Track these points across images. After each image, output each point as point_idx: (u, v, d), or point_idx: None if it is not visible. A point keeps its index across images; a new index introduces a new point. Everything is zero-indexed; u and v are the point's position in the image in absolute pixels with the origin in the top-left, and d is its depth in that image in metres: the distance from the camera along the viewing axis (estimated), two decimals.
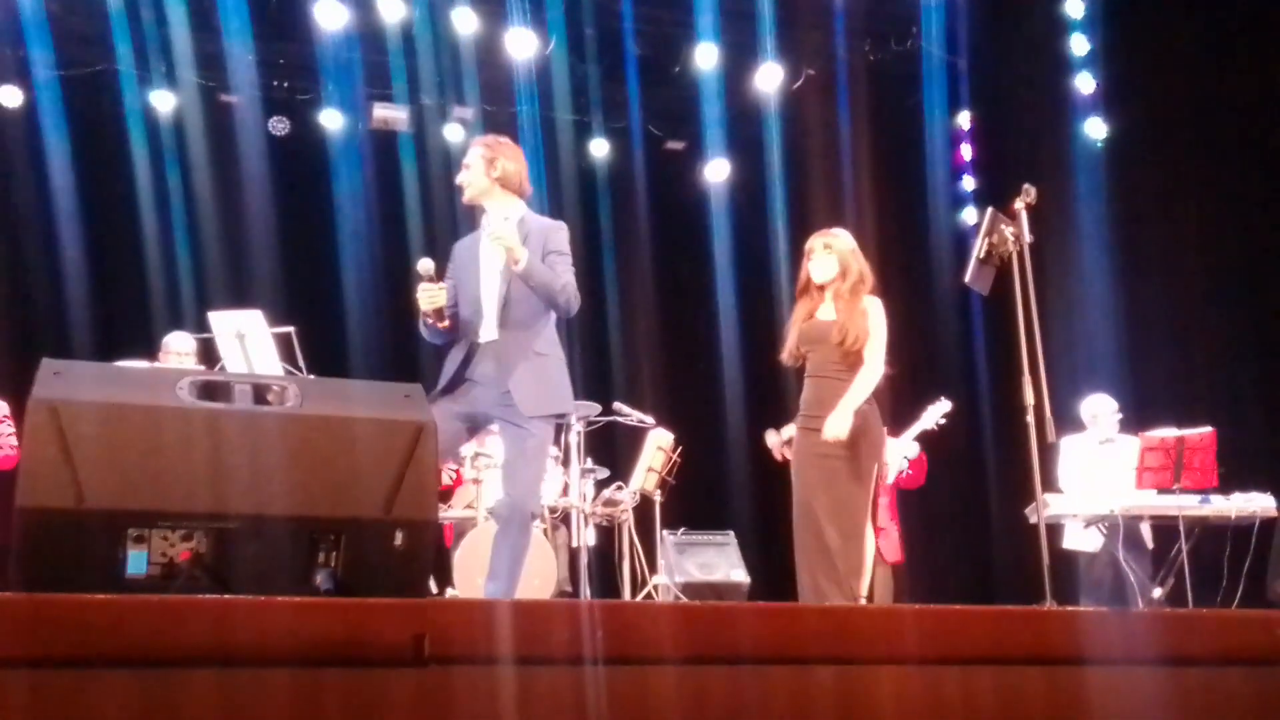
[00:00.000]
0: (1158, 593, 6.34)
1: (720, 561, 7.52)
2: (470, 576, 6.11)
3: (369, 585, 2.59)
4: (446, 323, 4.23)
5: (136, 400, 2.58)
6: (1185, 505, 6.26)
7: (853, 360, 4.72)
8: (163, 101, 8.61)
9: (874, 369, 4.73)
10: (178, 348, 6.34)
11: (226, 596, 2.38)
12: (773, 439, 5.61)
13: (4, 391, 6.14)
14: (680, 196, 9.99)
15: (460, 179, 4.33)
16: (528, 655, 2.16)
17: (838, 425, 4.63)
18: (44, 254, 8.23)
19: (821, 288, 4.86)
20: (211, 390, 2.72)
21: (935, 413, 6.81)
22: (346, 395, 2.95)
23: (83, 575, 2.43)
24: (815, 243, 4.89)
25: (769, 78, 9.26)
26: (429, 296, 4.18)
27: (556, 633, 2.21)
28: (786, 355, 4.91)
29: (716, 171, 9.79)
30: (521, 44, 8.72)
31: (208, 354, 5.92)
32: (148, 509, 2.51)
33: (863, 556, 4.71)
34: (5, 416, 6.05)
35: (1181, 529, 6.22)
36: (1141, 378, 7.83)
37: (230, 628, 2.05)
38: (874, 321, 4.76)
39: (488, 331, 4.20)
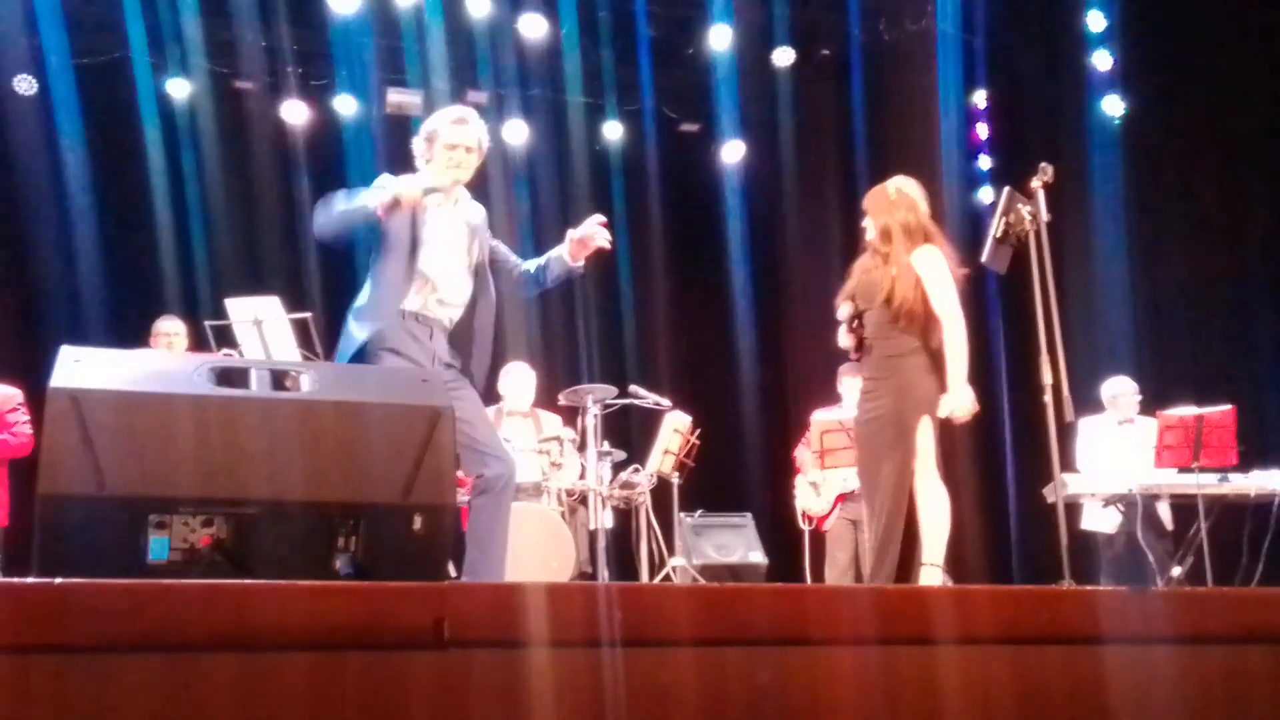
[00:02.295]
0: (1177, 571, 6.32)
1: (738, 543, 7.52)
2: None
3: (388, 570, 2.60)
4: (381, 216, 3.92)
5: (156, 388, 2.60)
6: (1204, 484, 6.23)
7: (905, 323, 4.46)
8: (177, 89, 8.63)
9: (953, 325, 4.43)
10: (167, 329, 6.38)
11: (247, 581, 2.39)
12: None
13: (18, 379, 6.17)
14: (695, 179, 9.97)
15: (469, 163, 4.17)
16: (547, 638, 2.17)
17: (955, 401, 4.40)
18: (58, 242, 8.25)
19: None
20: (230, 377, 2.74)
21: None
22: (364, 381, 2.96)
23: (105, 561, 2.45)
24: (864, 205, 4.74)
25: (783, 58, 9.22)
26: (416, 185, 3.95)
27: (575, 616, 2.21)
28: (841, 298, 4.68)
29: (731, 153, 9.77)
30: (534, 27, 8.71)
31: (204, 338, 5.94)
32: (169, 495, 2.52)
33: (890, 552, 4.44)
34: (20, 404, 6.06)
35: (1200, 507, 6.20)
36: (1160, 356, 7.79)
37: (251, 612, 2.06)
38: (928, 275, 4.46)
39: (449, 295, 4.07)
